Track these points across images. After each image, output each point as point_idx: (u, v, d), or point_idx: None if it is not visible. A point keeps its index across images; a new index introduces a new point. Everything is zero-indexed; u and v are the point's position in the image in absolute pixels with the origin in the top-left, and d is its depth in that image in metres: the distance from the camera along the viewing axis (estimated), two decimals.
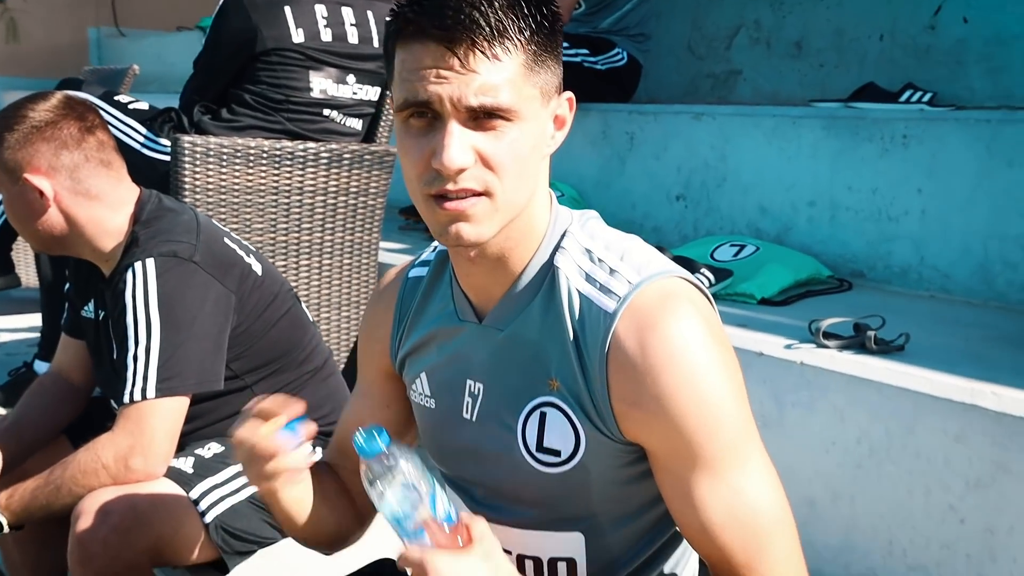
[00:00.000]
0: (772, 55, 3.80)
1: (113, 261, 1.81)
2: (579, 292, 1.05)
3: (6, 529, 1.66)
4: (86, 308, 1.94)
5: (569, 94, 1.07)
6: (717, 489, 1.02)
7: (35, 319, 3.41)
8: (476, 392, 1.13)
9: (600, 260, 1.06)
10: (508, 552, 1.13)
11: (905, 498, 1.71)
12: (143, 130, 2.51)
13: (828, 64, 3.59)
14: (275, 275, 1.96)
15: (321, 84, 2.54)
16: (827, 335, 1.91)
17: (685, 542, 1.16)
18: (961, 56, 3.14)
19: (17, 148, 1.73)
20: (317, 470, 1.26)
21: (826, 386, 1.83)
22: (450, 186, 0.99)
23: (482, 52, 0.96)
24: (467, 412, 1.14)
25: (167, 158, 2.41)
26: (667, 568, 1.18)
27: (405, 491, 1.00)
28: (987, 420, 1.60)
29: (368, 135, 2.70)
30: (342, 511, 1.28)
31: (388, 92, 2.74)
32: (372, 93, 2.65)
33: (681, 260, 2.44)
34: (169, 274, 1.72)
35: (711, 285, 2.37)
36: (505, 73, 0.97)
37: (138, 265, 1.72)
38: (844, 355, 1.86)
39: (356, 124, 2.64)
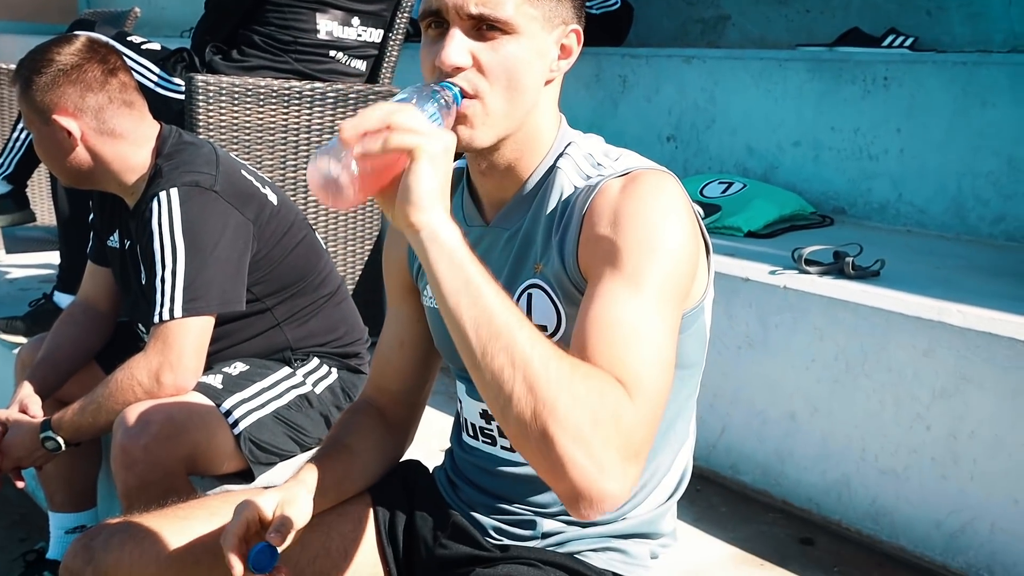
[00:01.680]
0: (760, 1, 3.89)
1: (138, 193, 1.92)
2: (573, 185, 1.15)
3: (63, 447, 1.80)
4: (111, 238, 2.04)
5: (577, 27, 1.16)
6: (619, 298, 1.02)
7: (46, 256, 3.52)
8: None
9: (599, 163, 1.15)
10: None
11: (877, 409, 1.86)
12: (156, 69, 2.59)
13: (814, 9, 3.69)
14: (290, 204, 2.07)
15: (327, 26, 2.62)
16: (808, 262, 2.04)
17: (668, 444, 1.25)
18: (942, 2, 3.25)
19: (46, 91, 1.83)
20: (333, 455, 1.32)
21: (807, 308, 1.97)
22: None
23: None
24: None
25: (181, 96, 2.50)
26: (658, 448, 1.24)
27: None
28: (953, 335, 1.74)
29: (372, 76, 2.79)
30: (381, 449, 1.38)
31: (391, 34, 2.84)
32: (376, 35, 2.74)
33: None
34: (192, 202, 1.82)
35: (701, 219, 2.50)
36: None
37: (163, 195, 1.82)
38: (824, 280, 2.00)
39: (360, 65, 2.73)
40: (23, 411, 1.92)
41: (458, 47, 1.08)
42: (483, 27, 1.08)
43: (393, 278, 1.38)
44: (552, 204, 1.16)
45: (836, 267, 2.03)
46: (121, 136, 1.87)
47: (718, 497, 2.06)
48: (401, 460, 1.47)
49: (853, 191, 2.79)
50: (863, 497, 1.88)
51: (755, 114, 3.02)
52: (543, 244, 1.16)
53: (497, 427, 1.27)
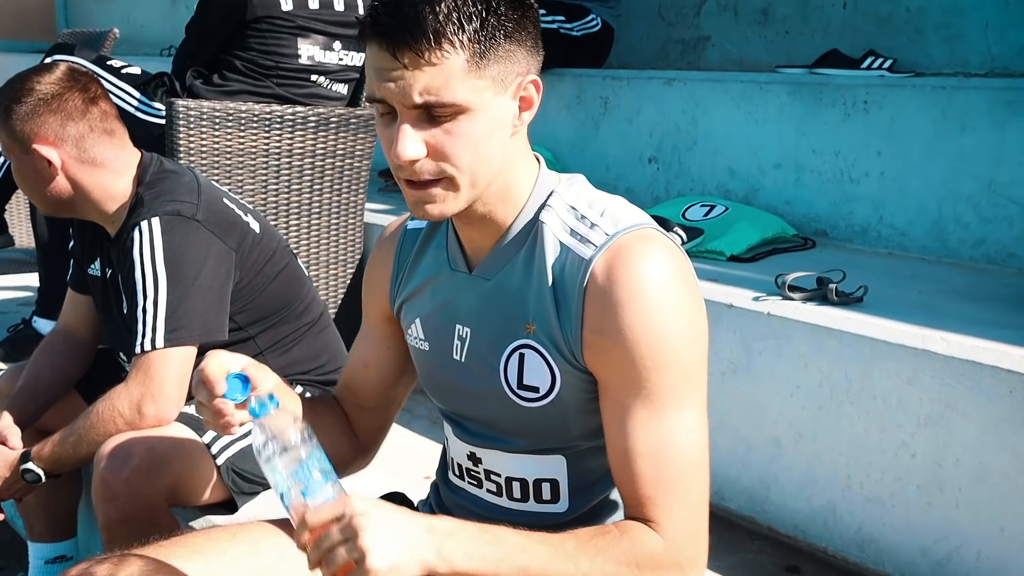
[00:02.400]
0: (740, 21, 3.91)
1: (119, 221, 1.90)
2: (561, 243, 1.13)
3: (43, 479, 1.77)
4: (92, 266, 2.02)
5: (534, 76, 1.12)
6: (649, 421, 1.10)
7: (25, 279, 3.48)
8: (464, 336, 1.22)
9: (583, 216, 1.14)
10: (498, 474, 1.25)
11: (862, 436, 1.86)
12: (137, 94, 2.58)
13: (793, 31, 3.71)
14: (272, 232, 2.06)
15: (309, 51, 2.62)
16: (792, 288, 2.05)
17: None
18: (920, 24, 3.28)
19: (26, 120, 1.82)
20: (315, 407, 1.38)
21: (791, 335, 1.98)
22: (409, 175, 1.09)
23: (420, 56, 1.02)
24: (457, 353, 1.23)
25: (161, 121, 2.49)
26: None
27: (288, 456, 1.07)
28: (937, 363, 1.75)
29: (353, 99, 2.79)
30: (336, 441, 1.39)
31: None
32: (357, 59, 2.73)
33: (654, 219, 2.57)
34: (173, 232, 1.81)
35: (683, 243, 2.50)
36: (447, 72, 1.03)
37: (144, 224, 1.81)
38: (807, 306, 2.01)
39: (342, 89, 2.73)
40: (1, 442, 1.89)
41: (410, 141, 1.06)
42: (431, 112, 1.06)
43: (372, 303, 1.38)
44: (541, 263, 1.15)
45: (820, 293, 2.04)
46: (102, 165, 1.86)
47: None
48: (386, 493, 1.46)
49: (834, 214, 2.80)
50: (849, 524, 1.88)
51: (736, 136, 3.04)
52: (536, 306, 1.15)
53: (484, 470, 1.27)
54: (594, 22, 3.56)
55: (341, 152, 2.70)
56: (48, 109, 1.81)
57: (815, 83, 2.89)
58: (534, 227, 1.15)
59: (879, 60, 3.09)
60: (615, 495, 1.26)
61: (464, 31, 1.03)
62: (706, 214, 2.70)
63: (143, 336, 1.76)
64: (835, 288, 2.02)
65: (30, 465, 1.78)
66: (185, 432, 1.77)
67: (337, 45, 2.67)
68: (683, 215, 2.71)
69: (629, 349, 1.09)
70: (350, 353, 1.45)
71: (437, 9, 1.02)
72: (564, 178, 1.20)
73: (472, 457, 1.28)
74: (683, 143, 3.18)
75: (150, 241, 1.80)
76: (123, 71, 2.61)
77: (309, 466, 1.08)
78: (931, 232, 2.62)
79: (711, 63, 3.97)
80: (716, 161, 3.09)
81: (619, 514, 1.27)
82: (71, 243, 2.10)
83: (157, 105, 2.57)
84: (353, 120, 2.70)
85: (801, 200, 2.87)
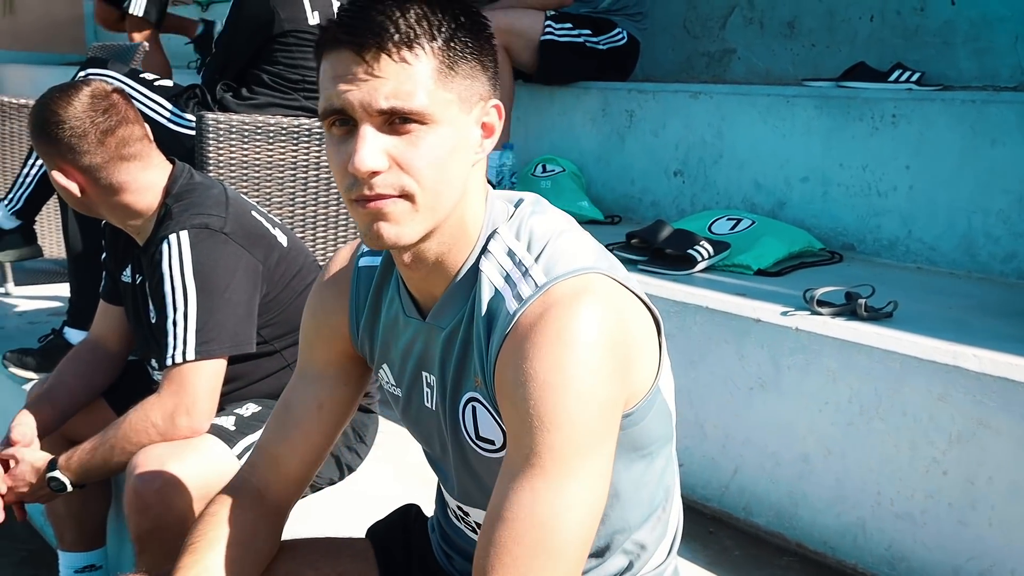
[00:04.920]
0: (765, 34, 3.91)
1: (146, 232, 1.92)
2: (496, 291, 1.06)
3: (70, 488, 1.79)
4: (124, 273, 2.04)
5: (496, 101, 1.08)
6: (520, 484, 0.98)
7: (55, 289, 3.52)
8: (432, 383, 1.16)
9: (520, 261, 1.06)
10: None
11: (892, 453, 1.85)
12: (169, 106, 2.61)
13: (820, 44, 3.71)
14: (300, 246, 2.07)
15: None
16: (820, 303, 2.04)
17: (654, 514, 1.20)
18: (949, 37, 3.26)
19: (48, 146, 1.85)
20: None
21: (820, 350, 1.97)
22: (366, 191, 1.00)
23: (389, 56, 0.98)
24: (428, 401, 1.17)
25: (192, 132, 2.51)
26: (635, 534, 1.20)
27: None
28: (969, 380, 1.73)
29: None
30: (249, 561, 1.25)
31: None
32: None
33: (681, 233, 2.58)
34: (202, 245, 1.83)
35: (709, 257, 2.50)
36: (416, 78, 0.98)
37: (173, 237, 1.83)
38: (836, 321, 1.99)
39: None
40: (11, 439, 1.90)
41: (372, 149, 0.99)
42: (396, 120, 0.99)
43: (324, 345, 1.28)
44: (479, 313, 1.07)
45: (849, 308, 2.03)
46: (120, 188, 1.88)
47: (731, 540, 2.05)
48: (401, 506, 1.45)
49: (862, 228, 2.79)
50: (879, 541, 1.86)
51: (763, 150, 3.03)
52: (479, 358, 1.08)
53: (474, 522, 1.23)
54: (620, 36, 3.57)
55: None
56: (67, 143, 1.83)
57: (842, 96, 2.88)
58: (477, 274, 1.08)
59: (907, 73, 3.08)
60: (621, 541, 1.19)
61: (435, 39, 1.00)
62: (732, 228, 2.69)
63: (174, 348, 1.78)
64: (864, 303, 2.01)
65: (56, 473, 1.79)
66: (216, 443, 1.78)
67: None
68: (709, 228, 2.70)
69: (520, 403, 0.99)
70: (281, 408, 1.30)
71: (407, 15, 0.99)
72: (515, 210, 1.12)
73: (461, 510, 1.24)
74: (709, 156, 3.17)
75: (179, 254, 1.82)
76: (155, 83, 2.64)
77: None
78: (960, 246, 2.60)
79: (736, 76, 3.97)
80: (742, 174, 3.08)
81: (619, 559, 1.20)
82: (103, 254, 2.13)
83: (189, 117, 2.59)
84: None
85: (828, 214, 2.86)
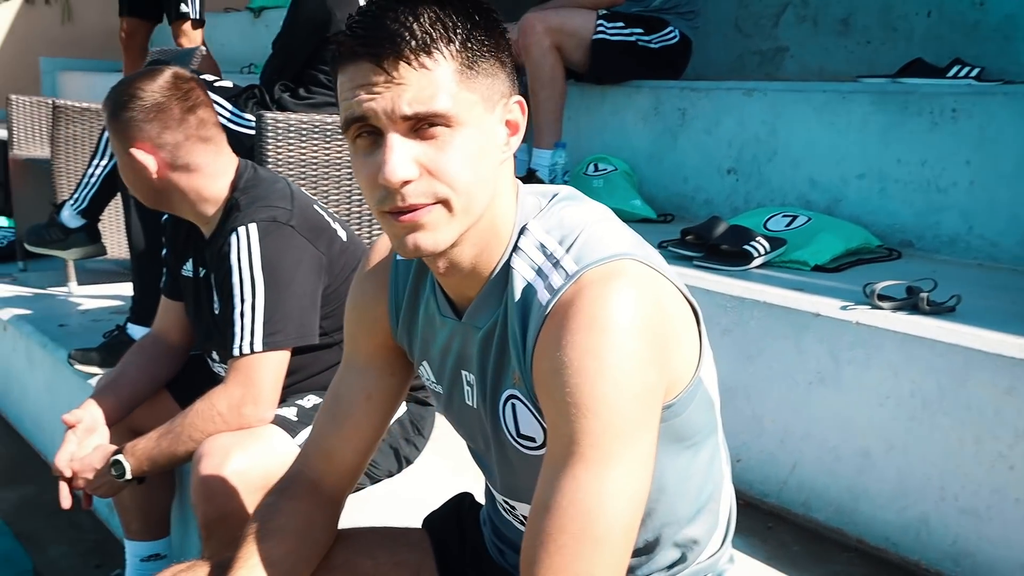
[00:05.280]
0: (819, 32, 3.88)
1: (213, 223, 1.96)
2: (530, 287, 1.05)
3: (129, 475, 1.82)
4: (185, 267, 2.09)
5: (518, 97, 1.07)
6: (563, 473, 0.97)
7: (117, 288, 3.60)
8: (472, 382, 1.16)
9: (551, 254, 1.05)
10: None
11: (956, 447, 1.82)
12: (229, 106, 2.66)
13: (875, 40, 3.67)
14: (357, 242, 2.10)
15: None
16: (881, 297, 2.02)
17: (705, 506, 1.19)
18: (1009, 31, 3.21)
19: (127, 124, 1.89)
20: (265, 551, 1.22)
21: (880, 345, 1.95)
22: (399, 202, 0.99)
23: (408, 63, 0.97)
24: (469, 399, 1.17)
25: (252, 131, 2.56)
26: (685, 527, 1.20)
27: None
28: None
29: None
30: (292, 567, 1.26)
31: None
32: None
33: (737, 229, 2.57)
34: (270, 238, 1.86)
35: (766, 253, 2.49)
36: (437, 81, 0.98)
37: (241, 229, 1.86)
38: (898, 315, 1.97)
39: None
40: (66, 420, 1.95)
41: (401, 157, 0.98)
42: (421, 127, 0.98)
43: (367, 333, 1.28)
44: (514, 310, 1.06)
45: (910, 302, 2.00)
46: (196, 170, 1.92)
47: (790, 535, 2.04)
48: (455, 495, 1.46)
49: (921, 224, 2.75)
50: (943, 537, 1.84)
51: (818, 146, 3.00)
52: (517, 356, 1.07)
53: (520, 515, 1.23)
54: (672, 34, 3.56)
55: None
56: (147, 117, 1.88)
57: (900, 92, 2.85)
58: (509, 272, 1.07)
59: (966, 69, 3.04)
60: (670, 535, 1.19)
61: (452, 42, 0.99)
62: (788, 224, 2.67)
63: (241, 339, 1.81)
64: (926, 297, 1.99)
65: (119, 457, 1.82)
66: (279, 433, 1.82)
67: None
68: (765, 225, 2.69)
69: (556, 391, 0.98)
70: (332, 399, 1.32)
71: (422, 20, 0.98)
72: (544, 203, 1.11)
73: (507, 504, 1.24)
74: (763, 154, 3.15)
75: (247, 246, 1.85)
76: (215, 84, 2.70)
77: None
78: (1023, 242, 2.56)
79: (789, 74, 3.94)
80: (797, 172, 3.06)
81: (671, 552, 1.20)
82: (164, 251, 2.17)
83: (248, 116, 2.64)
84: None
85: (885, 210, 2.83)
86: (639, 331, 0.98)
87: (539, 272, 1.05)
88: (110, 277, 3.75)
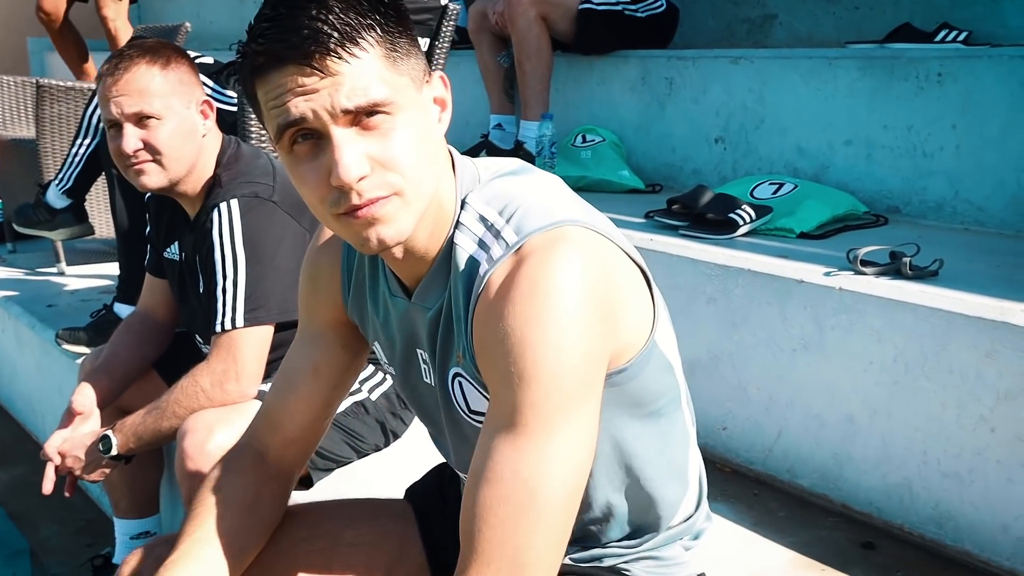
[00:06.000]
0: None
1: (199, 201, 1.95)
2: (472, 260, 1.04)
3: (116, 451, 1.83)
4: (169, 250, 2.08)
5: (440, 73, 1.06)
6: (503, 443, 0.96)
7: (105, 268, 3.60)
8: (426, 360, 1.15)
9: (491, 225, 1.04)
10: None
11: (939, 411, 1.83)
12: (210, 83, 2.64)
13: (863, 6, 3.64)
14: None
15: None
16: (864, 262, 2.02)
17: (674, 470, 1.18)
18: None
19: (191, 73, 1.92)
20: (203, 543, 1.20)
21: (864, 310, 1.95)
22: (356, 200, 0.97)
23: (337, 56, 0.95)
24: (427, 377, 1.16)
25: (234, 108, 2.55)
26: (655, 492, 1.18)
27: None
28: (1017, 336, 1.71)
29: None
30: (241, 546, 1.24)
31: (437, 42, 2.86)
32: (422, 44, 2.76)
33: (723, 197, 2.56)
34: (251, 213, 1.86)
35: (751, 221, 2.48)
36: (369, 70, 0.96)
37: (223, 205, 1.86)
38: (881, 281, 1.97)
39: None
40: (70, 408, 1.96)
41: (352, 154, 0.95)
42: (361, 119, 0.96)
43: (319, 306, 1.27)
44: (456, 286, 1.05)
45: (893, 267, 2.00)
46: (213, 138, 1.94)
47: (776, 502, 2.05)
48: (436, 466, 1.45)
49: (907, 190, 2.74)
50: (926, 501, 1.85)
51: (805, 114, 2.99)
52: (459, 333, 1.06)
53: None
54: (659, 3, 3.54)
55: None
56: (195, 71, 1.91)
57: (887, 57, 2.83)
58: (452, 248, 1.06)
59: (953, 32, 3.02)
60: (639, 500, 1.18)
61: (372, 28, 0.97)
62: (775, 192, 2.67)
63: (223, 315, 1.81)
64: (909, 262, 1.99)
65: (108, 432, 1.83)
66: None
67: None
68: (751, 193, 2.68)
69: (498, 361, 0.96)
70: (281, 374, 1.30)
71: (336, 12, 0.95)
72: (483, 175, 1.09)
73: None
74: (750, 122, 3.14)
75: (229, 222, 1.85)
76: (196, 60, 2.67)
77: None
78: (1010, 206, 2.55)
79: (778, 41, 3.92)
80: (784, 139, 3.05)
81: (642, 516, 1.19)
82: (148, 229, 2.17)
83: (230, 93, 2.63)
84: None
85: (872, 176, 2.82)
86: (583, 298, 0.96)
87: (480, 244, 1.03)
88: (100, 257, 3.75)
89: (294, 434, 1.28)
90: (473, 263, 1.03)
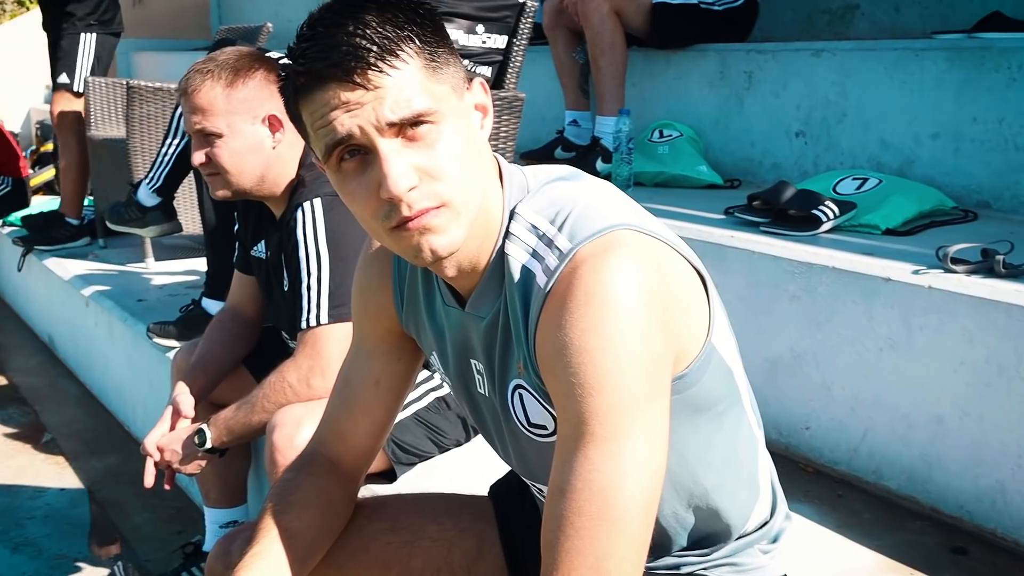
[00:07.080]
0: None
1: (284, 202, 2.00)
2: (527, 271, 1.04)
3: (209, 444, 1.89)
4: (256, 248, 2.13)
5: (480, 79, 1.06)
6: (574, 454, 0.96)
7: (192, 263, 3.70)
8: (481, 371, 1.15)
9: (543, 234, 1.04)
10: None
11: None
12: None
13: None
14: None
15: (453, 35, 2.66)
16: (955, 260, 1.97)
17: (738, 475, 1.18)
18: None
19: (259, 89, 1.91)
20: (284, 531, 1.21)
21: (954, 309, 1.90)
22: (406, 212, 0.98)
23: (378, 70, 0.96)
24: (481, 387, 1.17)
25: None
26: (720, 499, 1.17)
27: None
28: None
29: (497, 82, 2.83)
30: (310, 541, 1.26)
31: (515, 40, 2.88)
32: (500, 41, 2.78)
33: (805, 193, 2.52)
34: (334, 212, 1.89)
35: (835, 217, 2.44)
36: (411, 81, 0.97)
37: (306, 205, 1.90)
38: (972, 279, 1.92)
39: (486, 71, 2.77)
40: (176, 408, 2.02)
41: (400, 166, 0.97)
42: (406, 130, 0.97)
43: (373, 319, 1.28)
44: (513, 297, 1.05)
45: (985, 265, 1.95)
46: (290, 144, 1.96)
47: (860, 503, 2.01)
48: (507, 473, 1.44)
49: (998, 184, 2.67)
50: (1020, 506, 1.80)
51: (889, 107, 2.93)
52: (519, 344, 1.06)
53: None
54: None
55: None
56: (270, 83, 1.90)
57: (976, 48, 2.75)
58: (503, 259, 1.06)
59: None
60: (705, 507, 1.17)
61: (410, 40, 0.98)
62: (859, 187, 2.62)
63: (308, 312, 1.85)
64: (1002, 260, 1.93)
65: (203, 426, 1.90)
66: None
67: (480, 28, 2.72)
68: (834, 189, 2.63)
69: (560, 373, 0.97)
70: (341, 383, 1.33)
71: (373, 26, 0.97)
72: (532, 183, 1.09)
73: (533, 484, 1.24)
74: (832, 115, 3.08)
75: (312, 221, 1.89)
76: (280, 62, 2.73)
77: None
78: None
79: (860, 33, 3.84)
80: (868, 133, 2.99)
81: (711, 523, 1.18)
82: (236, 227, 2.22)
83: None
84: (497, 102, 2.74)
85: (961, 171, 2.75)
86: (639, 302, 0.96)
87: (534, 254, 1.03)
88: (185, 252, 3.85)
89: (360, 442, 1.31)
90: (528, 273, 1.03)
